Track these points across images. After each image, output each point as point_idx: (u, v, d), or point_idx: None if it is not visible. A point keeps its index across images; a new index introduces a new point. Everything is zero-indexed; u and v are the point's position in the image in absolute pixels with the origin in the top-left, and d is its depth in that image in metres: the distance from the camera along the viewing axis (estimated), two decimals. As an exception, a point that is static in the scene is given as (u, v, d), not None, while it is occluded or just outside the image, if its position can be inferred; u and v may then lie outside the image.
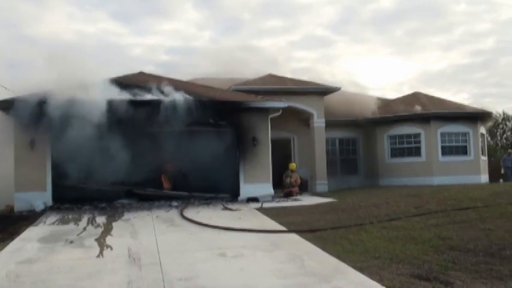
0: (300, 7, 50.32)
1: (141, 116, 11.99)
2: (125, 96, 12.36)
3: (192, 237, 7.87)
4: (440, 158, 18.39)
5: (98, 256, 6.49)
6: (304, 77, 19.08)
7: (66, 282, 5.30)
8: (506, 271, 5.37)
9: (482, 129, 20.12)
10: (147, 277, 5.38)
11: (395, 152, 19.18)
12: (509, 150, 22.36)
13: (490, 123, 22.44)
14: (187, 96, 12.79)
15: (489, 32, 53.69)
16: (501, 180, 18.03)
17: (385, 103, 21.17)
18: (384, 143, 19.32)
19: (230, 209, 11.35)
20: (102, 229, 8.58)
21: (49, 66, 12.00)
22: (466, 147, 18.87)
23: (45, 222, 9.71)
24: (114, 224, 9.21)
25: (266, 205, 12.13)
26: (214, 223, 8.82)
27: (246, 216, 10.26)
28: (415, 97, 20.82)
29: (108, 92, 12.14)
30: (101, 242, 7.38)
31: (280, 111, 14.35)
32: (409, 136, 18.92)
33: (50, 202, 12.00)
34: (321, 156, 17.61)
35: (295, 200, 13.82)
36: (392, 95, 46.10)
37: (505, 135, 35.30)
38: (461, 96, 63.22)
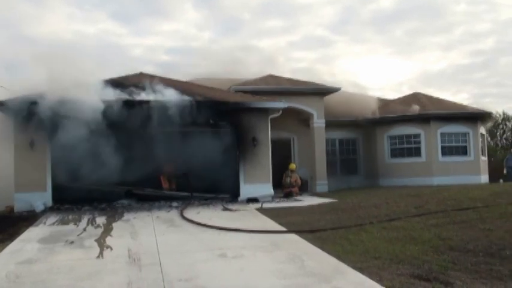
0: (299, 7, 50.41)
1: (140, 116, 11.98)
2: (123, 96, 12.35)
3: (192, 237, 7.87)
4: (440, 158, 18.39)
5: (98, 257, 6.49)
6: (304, 77, 19.10)
7: (66, 283, 5.30)
8: (506, 271, 5.37)
9: (482, 130, 20.12)
10: (147, 277, 5.38)
11: (395, 152, 19.18)
12: None
13: (490, 124, 22.44)
14: (187, 96, 12.79)
15: (489, 32, 53.81)
16: (501, 181, 18.03)
17: (385, 103, 21.20)
18: (383, 143, 19.33)
19: (230, 210, 11.35)
20: (102, 230, 8.58)
21: (48, 66, 11.99)
22: (466, 147, 18.87)
23: (45, 222, 9.71)
24: (114, 224, 9.21)
25: (266, 205, 12.14)
26: (215, 223, 8.82)
27: (246, 216, 10.26)
28: (415, 97, 20.84)
29: (107, 92, 12.14)
30: (101, 242, 7.37)
31: (280, 111, 14.36)
32: (409, 136, 18.92)
33: (49, 203, 12.00)
34: (321, 156, 17.62)
35: (295, 200, 13.82)
36: (392, 95, 46.24)
37: (505, 136, 35.32)
38: (461, 96, 63.29)
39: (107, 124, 11.44)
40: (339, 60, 52.70)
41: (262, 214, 10.46)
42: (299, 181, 15.48)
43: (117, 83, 13.10)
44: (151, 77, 14.60)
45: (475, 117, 19.19)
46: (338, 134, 19.38)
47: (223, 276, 5.46)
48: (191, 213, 10.59)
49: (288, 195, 14.65)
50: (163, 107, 12.14)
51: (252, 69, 21.08)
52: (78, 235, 8.09)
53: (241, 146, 13.77)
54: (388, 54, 54.83)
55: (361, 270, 5.50)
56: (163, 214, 10.64)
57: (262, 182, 13.72)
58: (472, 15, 53.76)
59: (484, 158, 19.95)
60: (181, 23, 53.75)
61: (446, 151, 18.54)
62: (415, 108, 18.94)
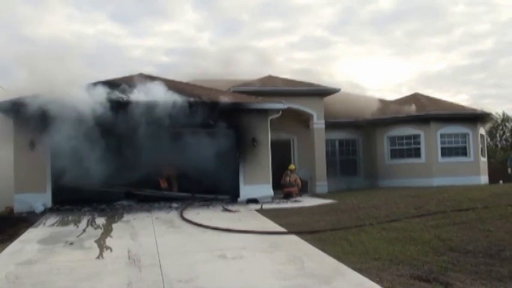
0: (298, 8, 50.41)
1: (139, 117, 11.98)
2: (123, 97, 12.35)
3: (192, 238, 7.88)
4: (440, 159, 18.41)
5: (98, 257, 6.49)
6: (304, 78, 19.11)
7: (66, 284, 5.30)
8: (506, 272, 5.37)
9: (482, 131, 20.14)
10: (147, 278, 5.38)
11: (395, 153, 19.20)
12: None
13: (489, 125, 22.47)
14: (187, 97, 12.79)
15: (488, 33, 53.84)
16: (501, 182, 18.04)
17: (384, 104, 21.19)
18: (383, 144, 19.34)
19: (230, 211, 11.35)
20: (102, 230, 8.58)
21: (47, 67, 11.99)
22: (465, 148, 18.89)
23: (44, 223, 9.70)
24: (113, 225, 9.21)
25: (266, 206, 12.14)
26: (214, 224, 8.82)
27: (246, 217, 10.26)
28: (415, 98, 20.87)
29: (107, 93, 12.14)
30: (101, 243, 7.37)
31: (280, 112, 14.36)
32: (408, 137, 18.94)
33: (49, 204, 11.99)
34: (320, 157, 17.62)
35: (295, 201, 13.82)
36: (391, 96, 46.35)
37: (504, 136, 35.36)
38: (461, 97, 63.24)
39: (107, 125, 11.43)
40: (339, 61, 52.81)
41: (262, 215, 10.47)
42: (299, 181, 15.47)
43: (116, 84, 13.10)
44: (151, 78, 14.60)
45: (475, 118, 19.21)
46: (338, 135, 19.38)
47: (223, 277, 5.47)
48: (191, 214, 10.59)
49: (288, 196, 14.65)
50: (162, 107, 12.13)
51: (251, 70, 21.07)
52: (78, 236, 8.09)
53: (241, 147, 13.78)
54: (388, 55, 54.94)
55: (360, 271, 5.50)
56: (163, 215, 10.64)
57: (262, 183, 13.73)
58: (471, 16, 53.89)
59: (484, 159, 19.96)
60: (181, 23, 53.83)
61: (446, 152, 18.56)
62: (412, 108, 18.96)
